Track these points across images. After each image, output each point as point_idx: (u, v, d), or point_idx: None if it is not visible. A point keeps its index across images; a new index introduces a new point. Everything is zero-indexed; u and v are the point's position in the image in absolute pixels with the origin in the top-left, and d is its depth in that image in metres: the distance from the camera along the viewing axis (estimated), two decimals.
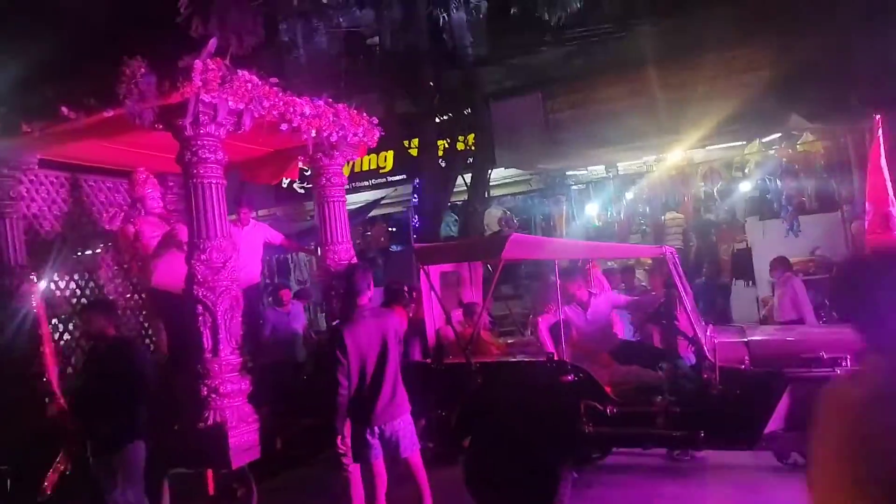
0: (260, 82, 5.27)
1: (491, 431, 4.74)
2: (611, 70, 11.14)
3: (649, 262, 9.88)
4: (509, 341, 5.91)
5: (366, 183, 13.76)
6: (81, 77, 5.25)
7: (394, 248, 14.40)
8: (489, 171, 11.77)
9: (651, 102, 10.73)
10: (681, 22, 10.64)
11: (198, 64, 4.73)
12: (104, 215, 6.42)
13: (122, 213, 6.24)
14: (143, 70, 4.76)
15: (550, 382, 4.59)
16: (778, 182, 9.71)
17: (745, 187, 10.42)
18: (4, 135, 5.49)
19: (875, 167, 4.92)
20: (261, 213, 14.49)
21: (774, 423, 4.33)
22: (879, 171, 4.86)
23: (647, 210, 11.14)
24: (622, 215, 10.95)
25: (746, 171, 10.42)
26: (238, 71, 5.06)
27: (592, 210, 11.17)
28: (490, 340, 5.53)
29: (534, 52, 12.25)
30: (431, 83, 11.29)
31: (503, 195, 12.86)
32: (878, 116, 5.01)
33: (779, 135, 9.86)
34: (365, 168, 13.62)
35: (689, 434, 4.43)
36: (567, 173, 11.95)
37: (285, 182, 13.49)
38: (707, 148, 10.57)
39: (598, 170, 11.68)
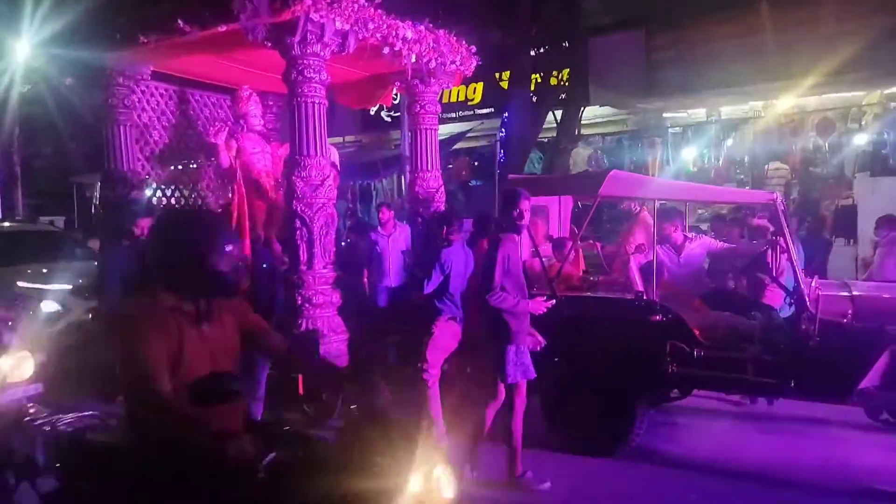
0: (366, 3, 5.30)
1: (573, 364, 4.79)
2: (720, 7, 10.46)
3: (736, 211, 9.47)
4: (591, 278, 5.87)
5: (452, 115, 13.65)
6: None
7: (475, 182, 14.36)
8: (582, 108, 11.43)
9: (761, 43, 10.05)
10: None
11: None
12: (210, 129, 6.68)
13: (227, 128, 6.49)
14: None
15: (637, 320, 4.56)
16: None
17: (860, 140, 9.70)
18: (123, 45, 5.75)
19: None
20: (347, 138, 14.75)
21: (870, 380, 4.19)
22: None
23: (747, 159, 10.58)
24: (720, 162, 10.46)
25: (863, 122, 9.67)
26: None
27: (689, 155, 10.70)
28: (576, 275, 5.52)
29: None
30: (529, 13, 10.90)
31: (594, 135, 12.51)
32: None
33: None
34: (453, 99, 13.47)
35: (779, 382, 4.35)
36: (665, 115, 11.45)
37: (373, 110, 13.65)
38: (822, 96, 9.85)
39: (699, 113, 11.13)
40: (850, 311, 4.31)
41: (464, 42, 6.85)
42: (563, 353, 4.81)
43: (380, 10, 5.49)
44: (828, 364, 4.20)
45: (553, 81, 11.47)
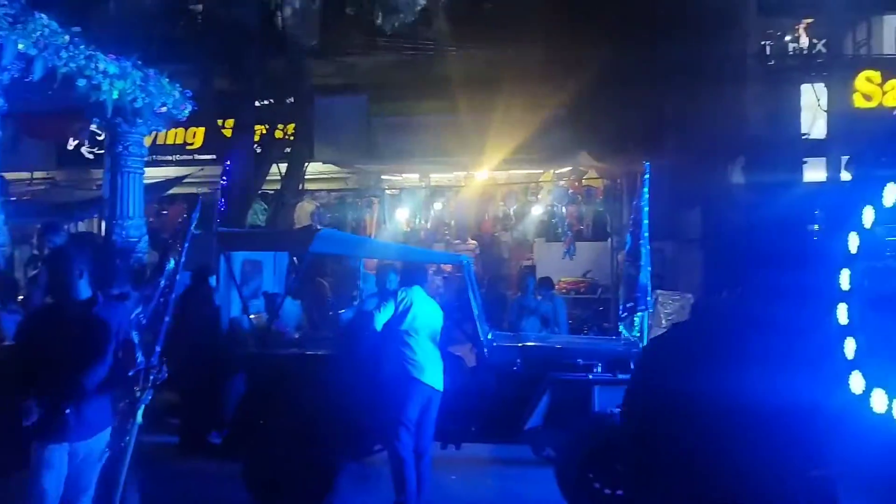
0: (60, 29, 4.84)
1: (275, 423, 4.73)
2: (432, 85, 11.70)
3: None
4: (296, 335, 5.88)
5: (169, 158, 12.86)
6: None
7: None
8: (306, 163, 11.67)
9: (462, 121, 11.48)
10: (499, 52, 11.49)
11: None
12: None
13: None
14: None
15: (339, 376, 4.72)
16: (563, 209, 10.91)
17: (536, 211, 11.56)
18: None
19: (637, 206, 5.87)
20: (37, 175, 12.82)
21: (534, 421, 4.90)
22: (640, 209, 5.82)
23: (453, 222, 11.84)
24: (429, 224, 11.53)
25: (539, 196, 11.56)
26: (35, 13, 4.59)
27: (402, 215, 11.61)
28: (286, 332, 5.53)
29: (365, 54, 12.42)
30: (255, 64, 10.91)
31: (318, 190, 12.81)
32: (646, 164, 5.99)
33: (570, 168, 11.08)
34: (170, 141, 12.71)
35: (463, 428, 4.87)
36: (383, 177, 12.27)
37: (72, 144, 12.15)
38: (509, 171, 11.53)
39: (413, 178, 12.16)
40: (519, 360, 5.03)
41: (178, 85, 6.61)
42: (268, 411, 4.74)
43: (76, 39, 5.06)
44: (502, 408, 4.83)
45: (278, 134, 11.54)
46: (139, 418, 3.28)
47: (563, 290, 10.78)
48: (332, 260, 8.41)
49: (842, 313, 6.15)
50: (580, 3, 11.17)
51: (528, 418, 4.89)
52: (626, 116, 10.65)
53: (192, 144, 12.86)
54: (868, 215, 5.85)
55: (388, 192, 11.95)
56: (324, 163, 11.95)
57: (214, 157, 12.37)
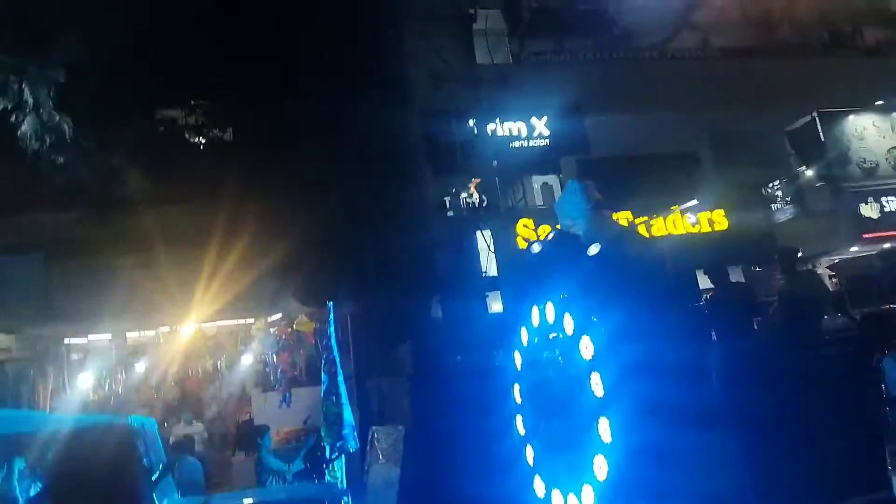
0: None
1: None
2: (127, 241, 10.94)
3: None
4: None
5: None
6: None
7: None
8: None
9: (161, 275, 10.85)
10: (196, 206, 11.33)
11: None
12: None
13: None
14: None
15: None
16: (275, 357, 10.68)
17: (248, 360, 11.12)
18: None
19: (328, 345, 6.00)
20: None
21: None
22: (330, 348, 5.97)
23: (154, 382, 10.72)
24: (121, 388, 10.27)
25: (253, 345, 11.20)
26: None
27: (87, 382, 10.17)
28: None
29: (42, 209, 11.23)
30: None
31: None
32: (330, 304, 6.19)
33: (280, 315, 11.02)
34: None
35: None
36: (66, 341, 10.79)
37: None
38: (218, 323, 11.05)
39: (102, 339, 10.90)
40: None
41: None
42: None
43: None
44: None
45: None
46: None
47: (284, 441, 10.29)
48: None
49: (519, 424, 6.90)
50: (277, 162, 11.76)
51: None
52: (332, 264, 11.12)
53: None
54: (524, 335, 6.85)
55: (73, 356, 10.47)
56: None
57: None
